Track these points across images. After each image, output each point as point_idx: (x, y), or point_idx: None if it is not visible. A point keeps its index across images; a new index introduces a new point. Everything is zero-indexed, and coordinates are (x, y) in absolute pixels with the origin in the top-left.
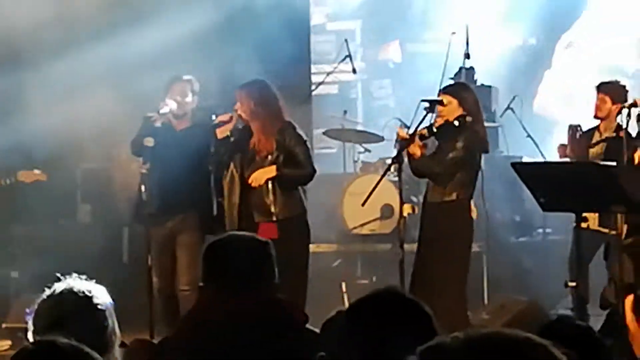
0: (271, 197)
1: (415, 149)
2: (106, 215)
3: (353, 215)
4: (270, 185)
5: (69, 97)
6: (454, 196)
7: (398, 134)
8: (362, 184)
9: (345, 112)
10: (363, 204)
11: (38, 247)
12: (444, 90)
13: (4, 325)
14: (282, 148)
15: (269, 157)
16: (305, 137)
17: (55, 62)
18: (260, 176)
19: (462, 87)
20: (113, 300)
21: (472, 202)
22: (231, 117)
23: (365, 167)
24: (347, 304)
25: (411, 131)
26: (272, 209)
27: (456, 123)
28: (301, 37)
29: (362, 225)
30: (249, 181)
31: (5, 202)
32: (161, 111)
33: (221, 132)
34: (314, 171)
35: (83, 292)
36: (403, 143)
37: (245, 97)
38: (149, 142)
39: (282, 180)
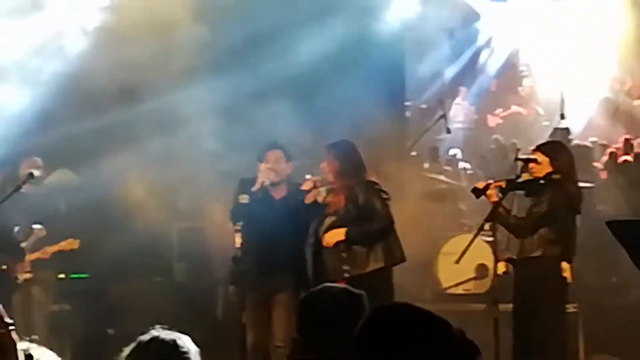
0: (344, 254)
1: (492, 198)
2: (201, 274)
3: (447, 274)
4: (342, 245)
5: (166, 160)
6: (539, 252)
7: (475, 186)
8: (456, 243)
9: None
10: (457, 262)
11: (134, 304)
12: (538, 148)
13: None
14: (353, 205)
15: (338, 215)
16: (383, 192)
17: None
18: (330, 239)
19: (556, 145)
20: (207, 357)
21: (565, 262)
22: (315, 184)
23: (459, 226)
24: None
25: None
26: (344, 267)
27: (542, 181)
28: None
29: (457, 284)
30: (323, 242)
31: (103, 259)
32: (257, 185)
33: (308, 199)
34: (389, 223)
35: (168, 341)
36: (477, 192)
37: (333, 156)
38: (244, 199)
39: (352, 239)
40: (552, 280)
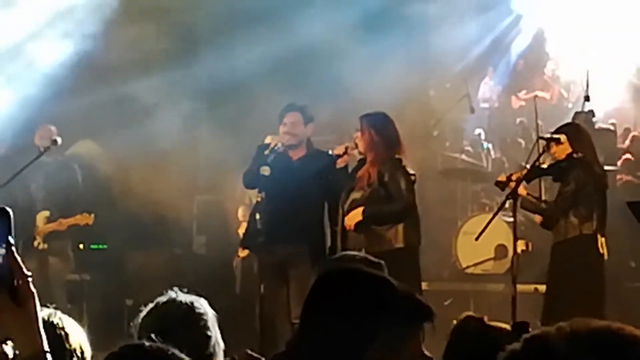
0: (362, 234)
1: (519, 189)
2: (221, 247)
3: (467, 254)
4: (360, 225)
5: (184, 128)
6: (577, 232)
7: (498, 179)
8: (477, 223)
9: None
10: (477, 239)
11: (153, 276)
12: (556, 132)
13: None
14: (382, 183)
15: (364, 190)
16: (410, 173)
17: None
18: (350, 222)
19: (574, 127)
20: (227, 330)
21: (601, 238)
22: (347, 149)
23: (480, 206)
24: None
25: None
26: (363, 246)
27: (564, 163)
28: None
29: (476, 264)
30: (344, 224)
31: (122, 230)
32: (270, 149)
33: (339, 164)
34: (408, 206)
35: (185, 303)
36: (501, 184)
37: (366, 127)
38: (265, 170)
39: (370, 220)
40: (589, 257)
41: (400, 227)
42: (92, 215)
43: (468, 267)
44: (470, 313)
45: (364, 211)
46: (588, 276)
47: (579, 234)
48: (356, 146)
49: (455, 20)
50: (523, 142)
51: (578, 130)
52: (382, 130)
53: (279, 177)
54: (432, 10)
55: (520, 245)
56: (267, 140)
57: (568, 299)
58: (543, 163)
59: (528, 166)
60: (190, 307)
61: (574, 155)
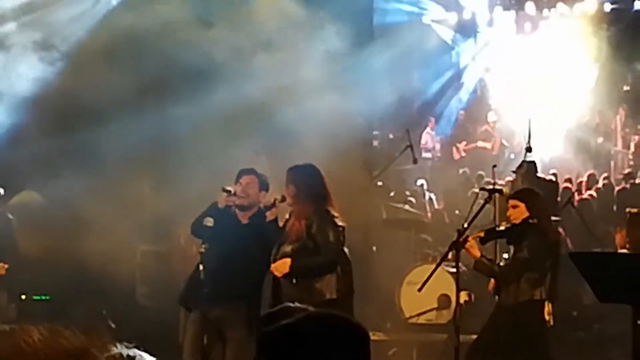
0: (294, 285)
1: (474, 251)
2: (164, 298)
3: (410, 304)
4: (289, 276)
5: (128, 177)
6: (526, 297)
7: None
8: (420, 273)
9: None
10: (419, 290)
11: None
12: (514, 196)
13: None
14: (309, 235)
15: (293, 243)
16: (338, 225)
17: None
18: (280, 268)
19: (530, 191)
20: None
21: (548, 305)
22: (275, 201)
23: (424, 256)
24: None
25: (467, 228)
26: (297, 297)
27: (519, 227)
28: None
29: (419, 314)
30: (272, 271)
31: (65, 281)
32: (226, 189)
33: (269, 217)
34: (335, 257)
35: (128, 356)
36: (457, 245)
37: (291, 180)
38: (209, 222)
39: (297, 272)
40: (536, 325)
41: (332, 278)
42: (6, 266)
43: (411, 317)
44: None
45: (291, 263)
46: (534, 341)
47: (529, 299)
48: (283, 199)
49: (400, 72)
50: (466, 193)
51: (533, 194)
52: (307, 183)
53: (222, 233)
54: (376, 62)
55: (463, 296)
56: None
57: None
58: (500, 226)
59: (468, 217)
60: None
61: (530, 220)
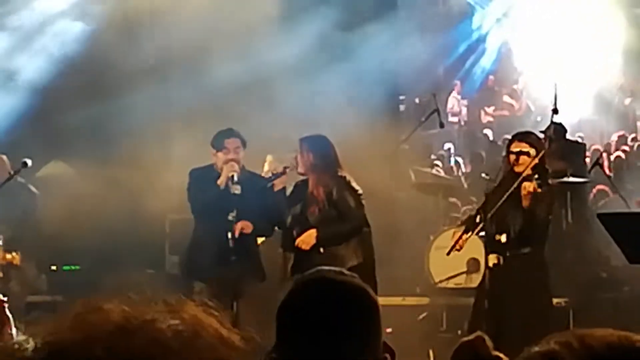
0: (318, 254)
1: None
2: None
3: (439, 268)
4: (315, 247)
5: (157, 145)
6: (527, 249)
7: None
8: (448, 237)
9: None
10: (448, 253)
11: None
12: (522, 139)
13: None
14: (331, 202)
15: (316, 214)
16: (356, 190)
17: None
18: (306, 240)
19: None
20: None
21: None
22: (285, 169)
23: (452, 220)
24: None
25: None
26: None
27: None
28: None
29: (448, 279)
30: (298, 244)
31: (95, 251)
32: (227, 178)
33: (277, 185)
34: (360, 223)
35: None
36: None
37: (305, 149)
38: (237, 189)
39: (325, 242)
40: (540, 272)
41: (353, 244)
42: (17, 255)
43: (441, 281)
44: (480, 334)
45: (317, 234)
46: (537, 292)
47: (530, 251)
48: (296, 166)
49: (423, 36)
50: (493, 157)
51: (542, 142)
52: (322, 152)
53: (219, 206)
54: (399, 26)
55: (492, 259)
56: (225, 171)
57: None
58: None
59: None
60: None
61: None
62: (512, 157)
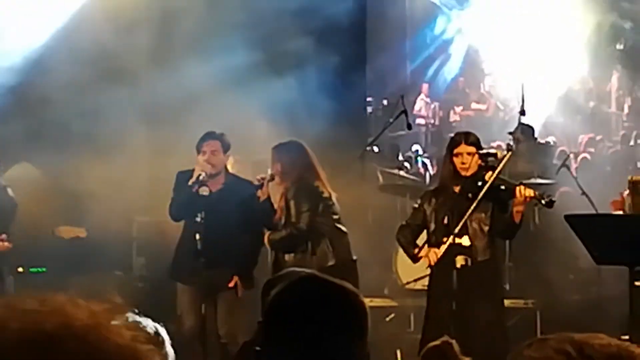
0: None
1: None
2: (161, 269)
3: (406, 270)
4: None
5: (123, 147)
6: (487, 255)
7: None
8: None
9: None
10: (414, 262)
11: (93, 298)
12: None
13: None
14: (287, 206)
15: (278, 219)
16: (319, 194)
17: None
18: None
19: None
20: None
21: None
22: (263, 179)
23: None
24: None
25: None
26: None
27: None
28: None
29: (416, 280)
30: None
31: (62, 254)
32: (195, 178)
33: (260, 196)
34: (300, 229)
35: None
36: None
37: (277, 158)
38: (205, 190)
39: (272, 245)
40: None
41: (325, 245)
42: (6, 243)
43: (408, 282)
44: (446, 339)
45: (268, 236)
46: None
47: (489, 257)
48: (272, 178)
49: (391, 38)
50: None
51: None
52: (291, 159)
53: (197, 208)
54: (368, 28)
55: (460, 261)
56: (196, 171)
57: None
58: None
59: None
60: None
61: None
62: (457, 159)
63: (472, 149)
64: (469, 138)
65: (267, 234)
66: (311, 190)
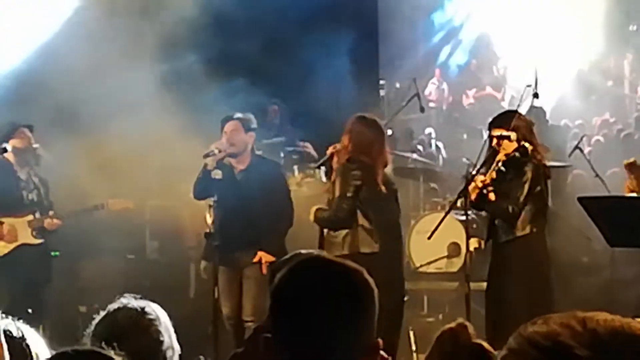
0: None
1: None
2: (173, 252)
3: (420, 253)
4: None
5: (138, 130)
6: (527, 230)
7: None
8: (429, 221)
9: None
10: (429, 238)
11: (106, 282)
12: (499, 125)
13: None
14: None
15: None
16: (355, 178)
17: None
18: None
19: (510, 115)
20: (180, 333)
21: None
22: (330, 149)
23: (432, 205)
24: (414, 346)
25: (475, 175)
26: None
27: (517, 154)
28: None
29: (429, 263)
30: None
31: (75, 237)
32: (208, 153)
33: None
34: (339, 215)
35: (135, 309)
36: (465, 192)
37: (347, 130)
38: (217, 174)
39: (318, 223)
40: (539, 254)
41: (346, 233)
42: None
43: (421, 265)
44: (461, 321)
45: (315, 212)
46: (538, 274)
47: (530, 232)
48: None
49: (403, 21)
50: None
51: (515, 117)
52: (355, 135)
53: (228, 186)
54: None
55: (473, 243)
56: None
57: (516, 298)
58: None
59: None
60: (141, 312)
61: (526, 146)
62: (494, 141)
63: (506, 131)
64: (501, 121)
65: (314, 209)
66: (351, 175)
